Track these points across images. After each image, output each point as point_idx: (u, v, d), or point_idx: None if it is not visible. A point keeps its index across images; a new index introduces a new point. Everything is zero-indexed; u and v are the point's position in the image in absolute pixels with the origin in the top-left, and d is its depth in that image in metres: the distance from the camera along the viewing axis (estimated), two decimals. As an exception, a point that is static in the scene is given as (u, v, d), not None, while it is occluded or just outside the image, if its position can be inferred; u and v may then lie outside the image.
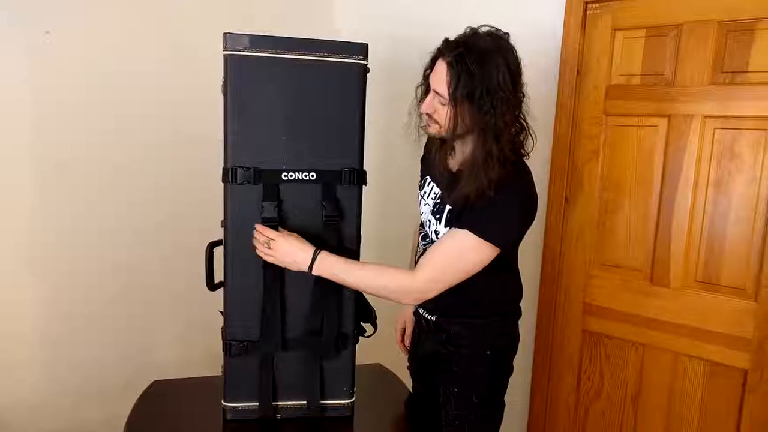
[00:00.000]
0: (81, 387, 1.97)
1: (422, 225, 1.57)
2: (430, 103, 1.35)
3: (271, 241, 1.34)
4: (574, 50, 1.92)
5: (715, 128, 1.72)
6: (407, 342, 1.73)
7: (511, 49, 1.32)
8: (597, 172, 1.94)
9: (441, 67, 1.31)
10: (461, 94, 1.28)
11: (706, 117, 1.72)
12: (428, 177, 1.54)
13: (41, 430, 1.91)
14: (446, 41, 1.34)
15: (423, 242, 1.55)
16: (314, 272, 1.35)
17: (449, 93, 1.29)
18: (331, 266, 1.36)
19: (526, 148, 1.40)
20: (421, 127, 1.44)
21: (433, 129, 1.39)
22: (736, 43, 1.66)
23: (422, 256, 1.40)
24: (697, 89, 1.73)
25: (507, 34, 1.35)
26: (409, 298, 1.39)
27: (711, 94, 1.71)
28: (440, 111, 1.34)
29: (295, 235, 1.37)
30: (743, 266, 1.71)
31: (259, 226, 1.36)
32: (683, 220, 1.78)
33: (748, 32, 1.64)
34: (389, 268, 1.39)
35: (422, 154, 1.65)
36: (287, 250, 1.35)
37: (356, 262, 1.41)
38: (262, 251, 1.36)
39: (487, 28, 1.33)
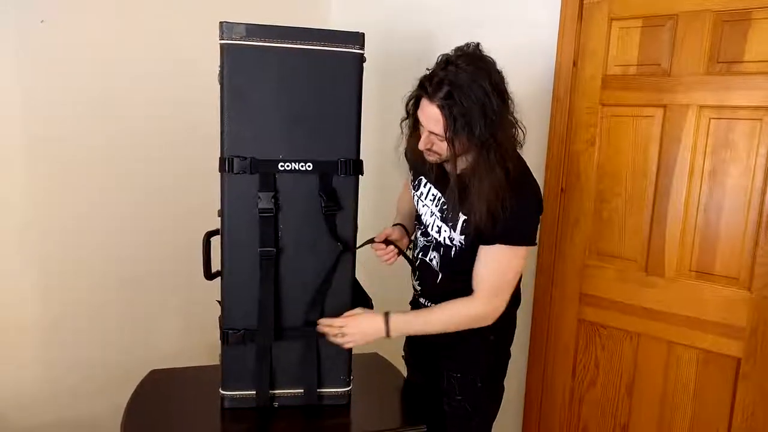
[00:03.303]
0: (80, 377, 1.98)
1: (419, 222, 1.57)
2: (427, 140, 1.35)
3: (342, 328, 1.39)
4: (571, 40, 1.92)
5: (710, 118, 1.72)
6: (391, 248, 1.58)
7: (490, 64, 1.31)
8: (593, 162, 1.94)
9: (431, 109, 1.29)
10: (459, 131, 1.27)
11: (701, 107, 1.73)
12: (422, 177, 1.54)
13: (40, 421, 1.92)
14: (427, 79, 1.31)
15: (424, 238, 1.55)
16: (392, 335, 1.40)
17: (446, 134, 1.29)
18: (406, 325, 1.42)
19: (520, 141, 1.41)
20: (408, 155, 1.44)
21: (434, 158, 1.40)
22: (731, 33, 1.66)
23: (473, 281, 1.41)
24: (692, 79, 1.73)
25: (478, 44, 1.33)
26: (487, 320, 1.41)
27: (706, 83, 1.71)
28: (438, 144, 1.35)
29: (358, 310, 1.42)
30: (737, 256, 1.72)
31: (323, 321, 1.41)
32: (678, 209, 1.79)
33: (744, 22, 1.64)
34: (454, 304, 1.42)
35: (405, 147, 1.61)
36: (361, 331, 1.40)
37: (422, 310, 1.45)
38: (338, 341, 1.40)
39: (460, 52, 1.31)
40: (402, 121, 1.45)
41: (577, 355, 2.06)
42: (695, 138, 1.75)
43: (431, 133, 1.33)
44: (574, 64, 1.93)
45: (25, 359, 1.89)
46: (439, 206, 1.48)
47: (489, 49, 1.36)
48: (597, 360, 2.02)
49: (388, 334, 1.40)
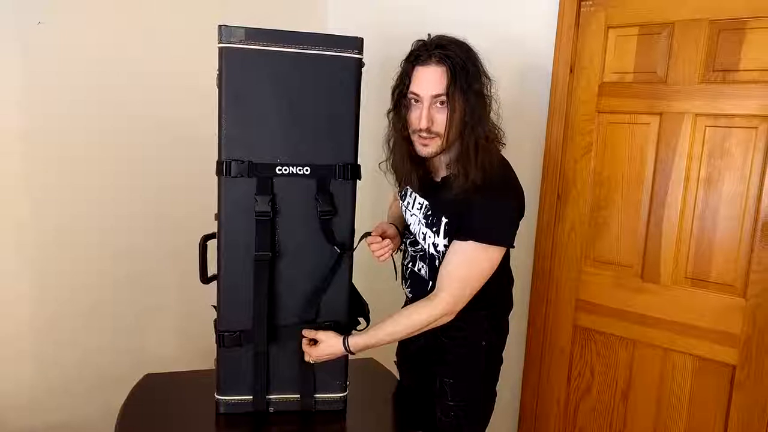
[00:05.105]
0: (75, 379, 1.96)
1: (409, 232, 1.57)
2: (428, 113, 1.32)
3: (311, 357, 1.41)
4: (568, 48, 1.93)
5: (706, 126, 1.73)
6: (386, 242, 1.55)
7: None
8: (589, 169, 1.95)
9: (430, 69, 1.31)
10: (460, 87, 1.29)
11: (697, 115, 1.74)
12: (408, 188, 1.54)
13: (35, 424, 1.90)
14: (416, 50, 1.34)
15: (413, 248, 1.55)
16: (355, 353, 1.41)
17: (448, 91, 1.29)
18: (365, 343, 1.40)
19: (501, 140, 1.42)
20: (408, 150, 1.42)
21: (433, 145, 1.36)
22: (727, 42, 1.68)
23: (438, 276, 1.40)
24: (688, 87, 1.74)
25: None
26: (446, 319, 1.40)
27: (702, 92, 1.72)
28: (438, 119, 1.33)
29: (320, 335, 1.41)
30: (732, 263, 1.73)
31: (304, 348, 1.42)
32: (674, 217, 1.80)
33: (740, 31, 1.65)
34: (412, 308, 1.41)
35: (392, 158, 1.60)
36: (326, 352, 1.40)
37: (380, 324, 1.42)
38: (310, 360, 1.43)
39: (432, 35, 1.36)
40: (389, 112, 1.43)
41: (573, 361, 2.06)
42: (691, 146, 1.76)
43: (434, 98, 1.31)
44: (571, 71, 1.94)
45: (20, 359, 1.87)
46: (423, 213, 1.47)
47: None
48: (592, 366, 2.02)
49: (351, 353, 1.41)
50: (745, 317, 1.71)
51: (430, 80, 1.31)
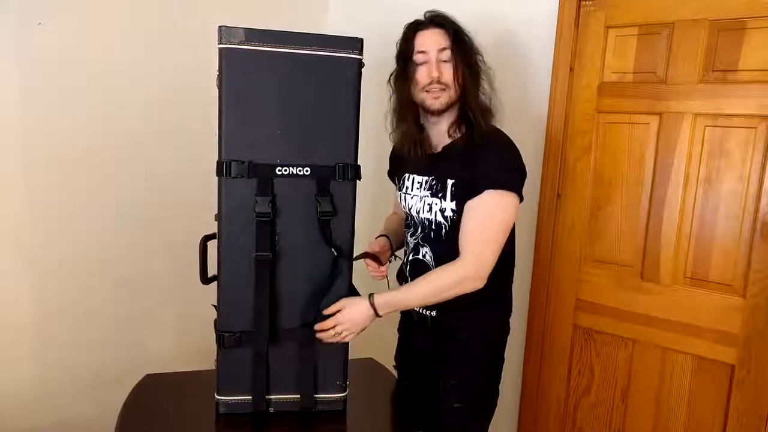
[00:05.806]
0: (75, 381, 1.97)
1: (408, 225, 1.57)
2: (437, 65, 1.40)
3: (335, 327, 1.39)
4: (567, 47, 1.93)
5: (705, 126, 1.73)
6: (384, 268, 1.62)
7: None
8: (589, 169, 1.95)
9: (429, 32, 1.42)
10: (458, 46, 1.40)
11: (696, 115, 1.74)
12: (406, 174, 1.56)
13: (35, 424, 1.90)
14: (415, 21, 1.45)
15: (412, 238, 1.55)
16: (382, 314, 1.40)
17: (452, 45, 1.39)
18: (393, 303, 1.41)
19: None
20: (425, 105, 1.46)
21: (444, 97, 1.42)
22: (726, 42, 1.68)
23: (459, 241, 1.40)
24: (688, 87, 1.74)
25: None
26: (477, 281, 1.39)
27: (701, 92, 1.72)
28: (446, 71, 1.41)
29: (341, 303, 1.40)
30: (731, 262, 1.73)
31: (317, 326, 1.40)
32: (673, 216, 1.80)
33: (739, 31, 1.65)
34: (438, 271, 1.42)
35: (399, 123, 1.61)
36: (351, 320, 1.39)
37: (408, 285, 1.44)
38: (336, 340, 1.40)
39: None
40: (392, 77, 1.48)
41: (572, 360, 2.06)
42: (690, 146, 1.76)
43: (439, 51, 1.40)
44: (571, 70, 1.94)
45: (20, 359, 1.87)
46: (427, 186, 1.49)
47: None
48: (592, 366, 2.02)
49: (377, 314, 1.40)
50: (744, 317, 1.71)
51: (433, 37, 1.41)
